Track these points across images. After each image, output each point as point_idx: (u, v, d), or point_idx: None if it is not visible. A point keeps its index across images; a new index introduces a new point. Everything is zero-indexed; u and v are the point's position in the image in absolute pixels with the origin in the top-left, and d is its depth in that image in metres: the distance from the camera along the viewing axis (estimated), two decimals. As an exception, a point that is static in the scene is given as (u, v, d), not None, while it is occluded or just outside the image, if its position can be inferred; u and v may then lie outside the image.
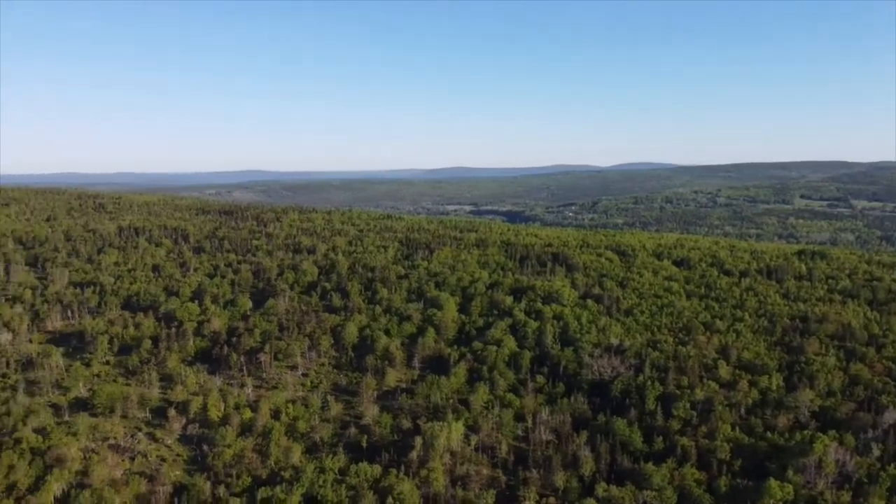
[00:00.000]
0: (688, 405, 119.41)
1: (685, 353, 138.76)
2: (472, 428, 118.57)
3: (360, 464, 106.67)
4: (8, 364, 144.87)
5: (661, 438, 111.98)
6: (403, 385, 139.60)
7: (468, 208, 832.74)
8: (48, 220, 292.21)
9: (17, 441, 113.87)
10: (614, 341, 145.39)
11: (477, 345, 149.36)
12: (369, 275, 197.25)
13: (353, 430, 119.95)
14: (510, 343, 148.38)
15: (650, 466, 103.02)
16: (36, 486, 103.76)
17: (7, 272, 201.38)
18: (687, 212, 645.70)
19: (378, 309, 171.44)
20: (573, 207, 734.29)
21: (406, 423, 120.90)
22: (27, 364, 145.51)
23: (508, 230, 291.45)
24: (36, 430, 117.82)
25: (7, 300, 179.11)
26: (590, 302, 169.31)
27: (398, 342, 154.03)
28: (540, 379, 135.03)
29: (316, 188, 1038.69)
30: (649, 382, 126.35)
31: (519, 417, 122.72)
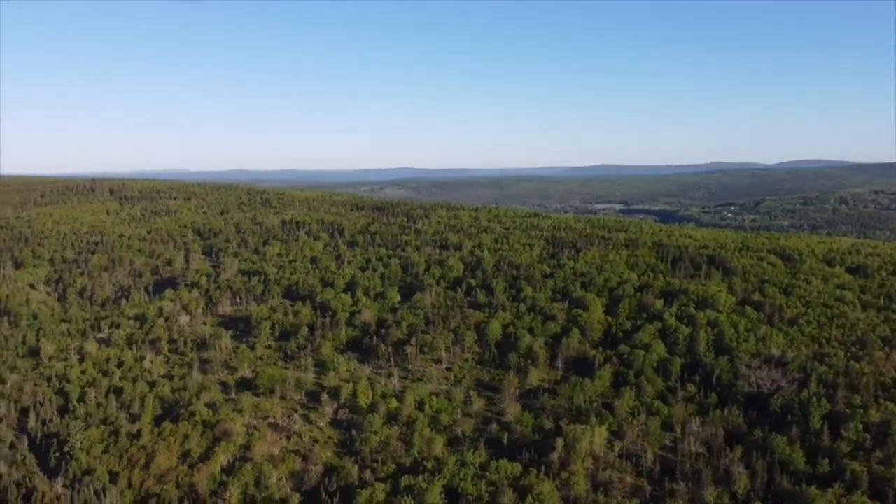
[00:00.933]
0: (860, 427, 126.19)
1: (859, 369, 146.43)
2: (616, 433, 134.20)
3: (500, 461, 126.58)
4: (185, 343, 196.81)
5: (826, 461, 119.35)
6: (546, 385, 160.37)
7: (618, 207, 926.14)
8: (222, 213, 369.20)
9: (192, 414, 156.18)
10: (775, 352, 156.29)
11: (623, 348, 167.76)
12: (514, 272, 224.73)
13: (494, 426, 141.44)
14: (659, 348, 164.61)
15: (814, 490, 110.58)
16: (206, 455, 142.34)
17: (187, 260, 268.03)
18: (865, 214, 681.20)
19: (522, 307, 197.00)
20: (732, 208, 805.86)
21: (548, 424, 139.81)
22: (201, 344, 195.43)
23: (660, 230, 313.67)
24: (207, 405, 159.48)
25: (186, 285, 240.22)
26: (748, 309, 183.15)
27: (542, 341, 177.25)
28: (691, 388, 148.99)
29: (464, 185, 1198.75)
30: (815, 399, 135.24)
31: (667, 426, 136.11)
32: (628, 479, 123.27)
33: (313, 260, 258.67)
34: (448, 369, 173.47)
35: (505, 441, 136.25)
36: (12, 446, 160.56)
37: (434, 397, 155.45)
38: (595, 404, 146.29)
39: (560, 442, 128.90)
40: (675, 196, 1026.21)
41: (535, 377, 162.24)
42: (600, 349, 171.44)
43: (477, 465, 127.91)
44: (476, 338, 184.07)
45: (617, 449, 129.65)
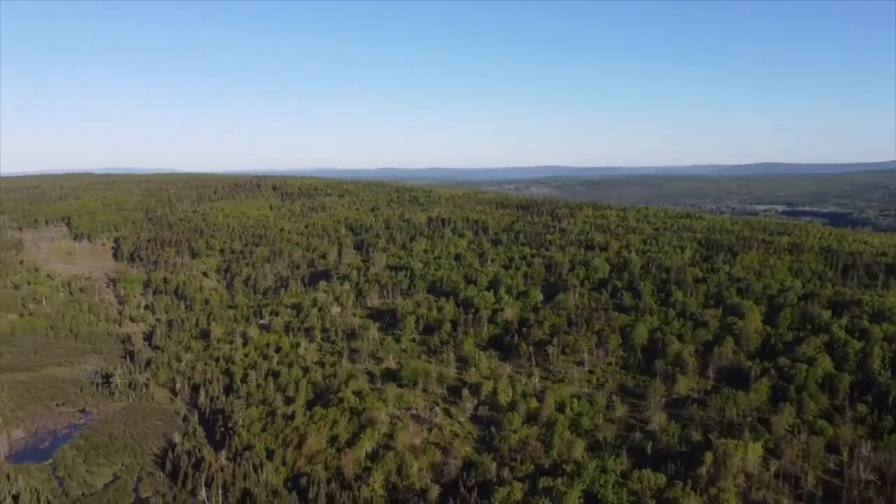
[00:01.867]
0: None
1: None
2: (772, 452, 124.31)
3: (643, 470, 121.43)
4: (336, 333, 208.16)
5: None
6: (695, 395, 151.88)
7: (780, 208, 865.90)
8: (372, 209, 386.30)
9: (341, 400, 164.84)
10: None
11: (783, 361, 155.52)
12: (663, 275, 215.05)
13: (637, 434, 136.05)
14: (825, 363, 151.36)
15: None
16: (352, 441, 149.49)
17: (339, 254, 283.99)
18: None
19: (671, 312, 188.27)
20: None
21: (696, 436, 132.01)
22: (351, 334, 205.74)
23: (829, 234, 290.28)
24: (355, 393, 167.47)
25: (338, 278, 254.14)
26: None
27: (691, 349, 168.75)
28: (861, 408, 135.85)
29: (611, 184, 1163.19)
30: None
31: (831, 448, 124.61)
32: (785, 502, 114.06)
33: (457, 257, 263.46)
34: (590, 372, 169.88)
35: (649, 450, 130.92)
36: (185, 419, 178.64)
37: (575, 400, 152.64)
38: (749, 419, 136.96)
39: (709, 456, 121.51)
40: (848, 197, 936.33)
41: (683, 386, 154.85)
42: (756, 360, 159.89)
43: (618, 473, 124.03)
44: (620, 341, 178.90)
45: (773, 468, 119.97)
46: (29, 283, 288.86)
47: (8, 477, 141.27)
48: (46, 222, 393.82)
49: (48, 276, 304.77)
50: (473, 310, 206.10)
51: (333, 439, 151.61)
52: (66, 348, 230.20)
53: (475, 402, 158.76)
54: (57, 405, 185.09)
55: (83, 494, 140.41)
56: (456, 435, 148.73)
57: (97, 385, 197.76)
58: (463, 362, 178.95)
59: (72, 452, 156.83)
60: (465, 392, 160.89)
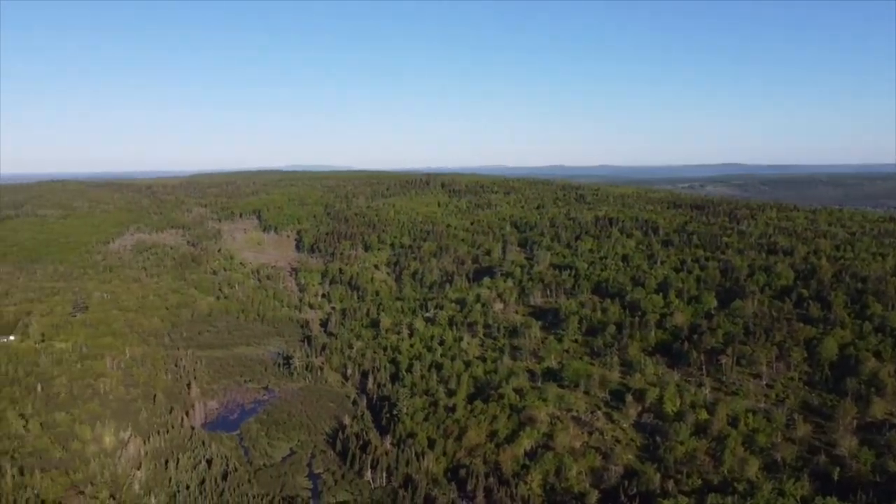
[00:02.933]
0: None
1: None
2: None
3: (827, 497, 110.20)
4: (498, 329, 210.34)
5: None
6: (893, 420, 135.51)
7: None
8: (538, 207, 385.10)
9: (501, 396, 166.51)
10: None
11: None
12: (858, 285, 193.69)
13: (822, 457, 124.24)
14: None
15: None
16: (511, 437, 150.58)
17: (503, 251, 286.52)
18: None
19: (867, 326, 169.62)
20: None
21: (893, 466, 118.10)
22: (512, 331, 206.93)
23: None
24: (515, 390, 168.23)
25: (502, 275, 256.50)
26: None
27: (891, 368, 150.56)
28: None
29: (799, 183, 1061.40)
30: None
31: None
32: None
33: (625, 258, 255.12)
34: (769, 386, 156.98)
35: (835, 476, 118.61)
36: (355, 402, 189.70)
37: (750, 414, 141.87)
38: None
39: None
40: None
41: (879, 409, 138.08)
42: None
43: (798, 498, 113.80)
44: (805, 355, 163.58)
45: None
46: (225, 270, 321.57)
47: (203, 443, 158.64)
48: (241, 215, 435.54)
49: (241, 263, 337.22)
50: (640, 313, 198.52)
51: (493, 434, 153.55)
52: (253, 330, 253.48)
53: (639, 408, 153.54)
54: (245, 381, 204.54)
55: (264, 465, 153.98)
56: (618, 441, 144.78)
57: (279, 365, 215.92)
58: (627, 367, 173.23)
59: (256, 426, 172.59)
60: (629, 398, 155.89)
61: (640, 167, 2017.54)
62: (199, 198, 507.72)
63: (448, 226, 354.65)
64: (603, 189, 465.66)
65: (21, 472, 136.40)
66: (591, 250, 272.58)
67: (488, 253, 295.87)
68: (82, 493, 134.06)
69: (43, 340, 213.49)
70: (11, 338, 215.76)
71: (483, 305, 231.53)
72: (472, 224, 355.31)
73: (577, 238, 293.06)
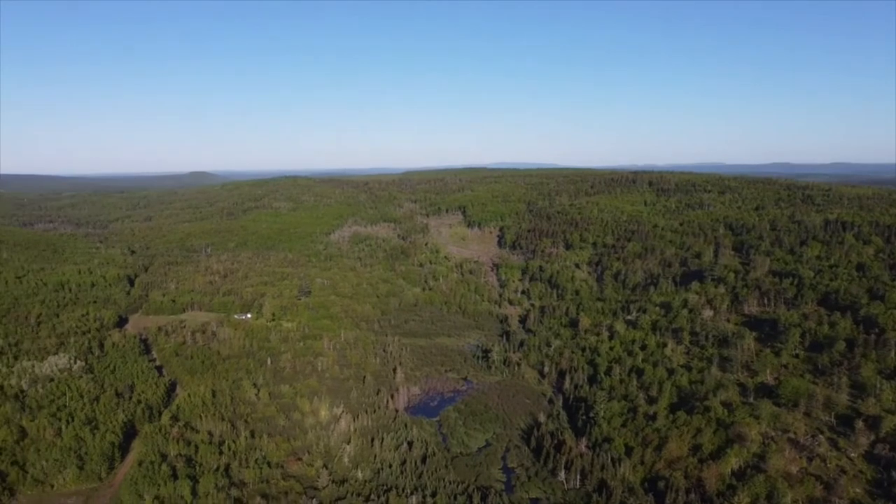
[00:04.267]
0: None
1: None
2: None
3: None
4: (706, 337, 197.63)
5: None
6: None
7: None
8: (756, 209, 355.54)
9: (707, 409, 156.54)
10: None
11: None
12: None
13: None
14: None
15: None
16: (717, 454, 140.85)
17: (716, 254, 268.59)
18: None
19: None
20: None
21: None
22: (722, 341, 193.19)
23: None
24: (723, 404, 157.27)
25: (713, 280, 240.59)
26: None
27: None
28: None
29: None
30: None
31: None
32: None
33: (860, 267, 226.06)
34: None
35: None
36: (550, 401, 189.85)
37: None
38: None
39: None
40: None
41: None
42: None
43: None
44: None
45: None
46: (430, 263, 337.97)
47: (405, 425, 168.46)
48: (447, 210, 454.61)
49: (445, 257, 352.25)
50: (877, 330, 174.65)
51: (696, 448, 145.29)
52: (455, 322, 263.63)
53: (871, 437, 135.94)
54: (445, 371, 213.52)
55: (461, 453, 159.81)
56: (843, 471, 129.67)
57: (478, 358, 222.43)
58: (858, 389, 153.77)
59: (454, 414, 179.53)
60: (860, 424, 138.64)
61: (883, 164, 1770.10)
62: (410, 194, 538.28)
63: (654, 226, 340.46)
64: (836, 189, 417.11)
65: (252, 435, 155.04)
66: (818, 257, 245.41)
67: (698, 256, 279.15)
68: (300, 459, 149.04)
69: (273, 319, 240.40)
70: (248, 315, 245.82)
71: (690, 311, 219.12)
72: (680, 225, 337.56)
73: (802, 243, 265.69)
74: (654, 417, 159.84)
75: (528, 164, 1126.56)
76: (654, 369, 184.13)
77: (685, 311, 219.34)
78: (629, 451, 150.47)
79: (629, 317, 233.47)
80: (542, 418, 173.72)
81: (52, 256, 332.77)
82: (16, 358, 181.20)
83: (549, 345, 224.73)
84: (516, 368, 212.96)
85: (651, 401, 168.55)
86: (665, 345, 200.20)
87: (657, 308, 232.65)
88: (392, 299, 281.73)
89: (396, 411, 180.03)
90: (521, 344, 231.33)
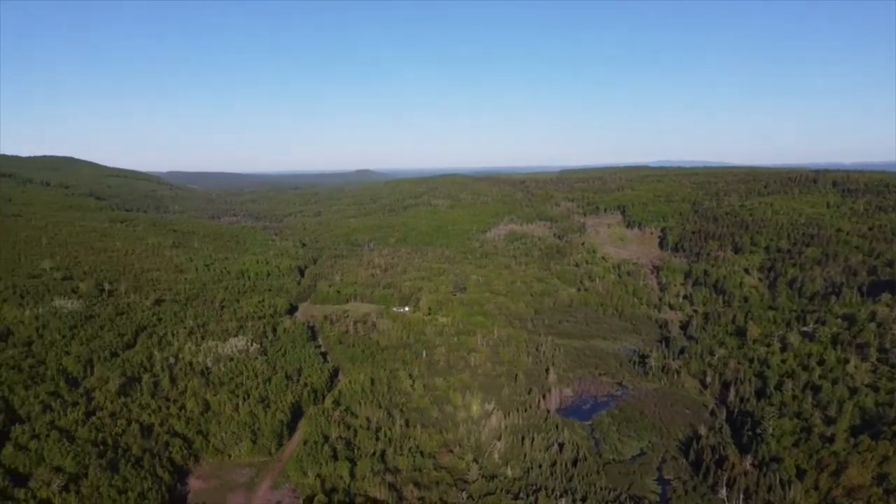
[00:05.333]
0: None
1: None
2: None
3: None
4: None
5: None
6: None
7: None
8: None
9: (895, 435, 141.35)
10: None
11: None
12: None
13: None
14: None
15: None
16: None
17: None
18: None
19: None
20: None
21: None
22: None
23: None
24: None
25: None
26: None
27: None
28: None
29: None
30: None
31: None
32: None
33: None
34: None
35: None
36: (713, 413, 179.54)
37: None
38: None
39: None
40: None
41: None
42: None
43: None
44: None
45: None
46: (587, 263, 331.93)
47: (556, 427, 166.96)
48: (605, 210, 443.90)
49: (602, 258, 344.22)
50: None
51: (881, 478, 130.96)
52: (610, 325, 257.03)
53: None
54: (599, 374, 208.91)
55: (613, 459, 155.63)
56: None
57: (633, 363, 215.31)
58: None
59: (608, 419, 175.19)
60: None
61: None
62: (567, 192, 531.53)
63: (838, 230, 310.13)
64: None
65: (406, 424, 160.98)
66: None
67: (890, 264, 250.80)
68: (451, 451, 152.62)
69: (429, 313, 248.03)
70: (406, 309, 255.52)
71: (879, 325, 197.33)
72: (869, 229, 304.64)
73: None
74: (831, 440, 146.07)
75: (694, 162, 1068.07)
76: (833, 387, 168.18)
77: (872, 325, 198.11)
78: (801, 473, 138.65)
79: (805, 328, 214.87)
80: (702, 430, 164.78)
81: (235, 247, 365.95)
82: (202, 338, 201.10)
83: (712, 353, 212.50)
84: (675, 376, 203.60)
85: (829, 421, 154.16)
86: (847, 361, 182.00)
87: (839, 320, 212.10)
88: (546, 298, 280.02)
89: (548, 412, 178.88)
90: (682, 351, 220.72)
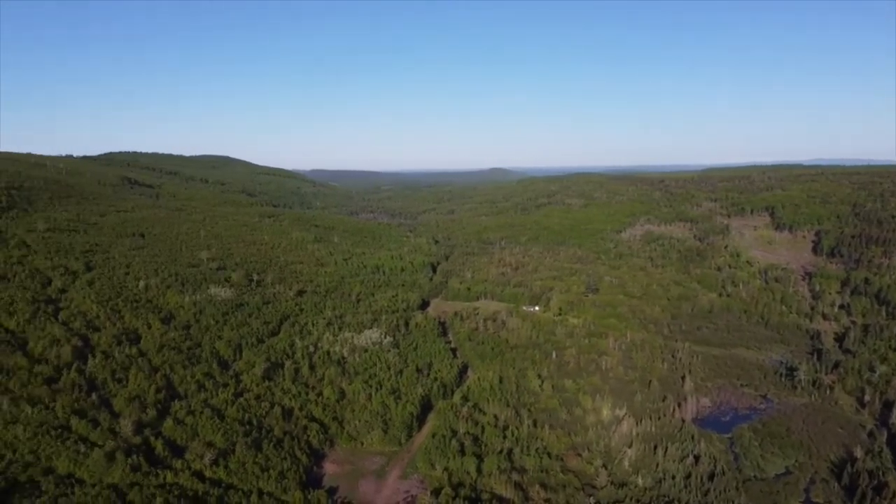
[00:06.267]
0: None
1: None
2: None
3: None
4: None
5: None
6: None
7: None
8: None
9: None
10: None
11: None
12: None
13: None
14: None
15: None
16: None
17: None
18: None
19: None
20: None
21: None
22: None
23: None
24: None
25: None
26: None
27: None
28: None
29: None
30: None
31: None
32: None
33: None
34: None
35: None
36: (871, 434, 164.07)
37: None
38: None
39: None
40: None
41: None
42: None
43: None
44: None
45: None
46: (730, 267, 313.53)
47: (692, 437, 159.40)
48: (751, 211, 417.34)
49: (747, 262, 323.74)
50: None
51: None
52: (754, 333, 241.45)
53: None
54: (741, 385, 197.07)
55: (754, 477, 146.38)
56: None
57: (780, 375, 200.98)
58: None
59: (749, 433, 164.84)
60: None
61: None
62: (710, 192, 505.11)
63: None
64: None
65: (534, 424, 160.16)
66: None
67: None
68: (579, 455, 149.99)
69: (560, 314, 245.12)
70: (537, 308, 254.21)
71: None
72: None
73: None
74: None
75: (854, 161, 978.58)
76: None
77: None
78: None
79: None
80: (858, 453, 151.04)
81: (372, 242, 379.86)
82: (340, 329, 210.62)
83: (872, 370, 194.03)
84: (828, 392, 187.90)
85: None
86: None
87: None
88: (684, 303, 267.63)
89: (683, 421, 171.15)
90: (836, 365, 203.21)
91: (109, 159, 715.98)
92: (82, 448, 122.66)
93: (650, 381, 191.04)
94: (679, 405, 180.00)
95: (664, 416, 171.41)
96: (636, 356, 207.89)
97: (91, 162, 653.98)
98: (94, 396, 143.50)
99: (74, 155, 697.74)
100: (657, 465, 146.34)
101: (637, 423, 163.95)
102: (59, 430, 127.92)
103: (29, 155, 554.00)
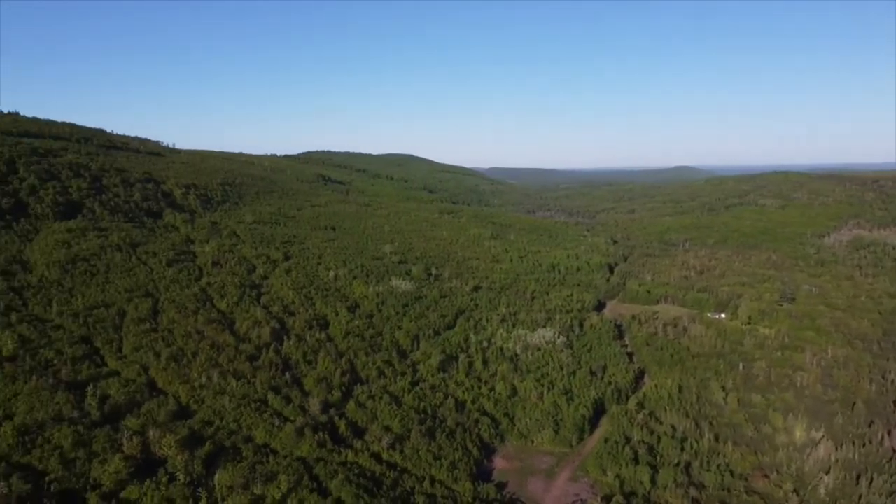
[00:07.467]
0: None
1: None
2: None
3: None
4: None
5: None
6: None
7: None
8: None
9: None
10: None
11: None
12: None
13: None
14: None
15: None
16: None
17: None
18: None
19: None
20: None
21: None
22: None
23: None
24: None
25: None
26: None
27: None
28: None
29: None
30: None
31: None
32: None
33: None
34: None
35: None
36: None
37: None
38: None
39: None
40: None
41: None
42: None
43: None
44: None
45: None
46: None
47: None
48: None
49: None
50: None
51: None
52: None
53: None
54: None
55: None
56: None
57: None
58: None
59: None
60: None
61: None
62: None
63: None
64: None
65: (716, 439, 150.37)
66: None
67: None
68: (767, 476, 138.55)
69: (749, 323, 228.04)
70: (723, 315, 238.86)
71: None
72: None
73: None
74: None
75: None
76: None
77: None
78: None
79: None
80: None
81: (548, 241, 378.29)
82: (513, 326, 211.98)
83: None
84: None
85: None
86: None
87: None
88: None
89: (893, 450, 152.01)
90: None
91: (307, 158, 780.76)
92: (276, 422, 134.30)
93: (854, 403, 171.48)
94: (889, 432, 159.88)
95: (869, 443, 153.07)
96: (838, 374, 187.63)
97: (291, 160, 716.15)
98: (287, 375, 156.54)
99: (278, 154, 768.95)
100: (860, 497, 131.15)
101: (837, 448, 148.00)
102: (258, 404, 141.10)
103: (241, 154, 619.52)
